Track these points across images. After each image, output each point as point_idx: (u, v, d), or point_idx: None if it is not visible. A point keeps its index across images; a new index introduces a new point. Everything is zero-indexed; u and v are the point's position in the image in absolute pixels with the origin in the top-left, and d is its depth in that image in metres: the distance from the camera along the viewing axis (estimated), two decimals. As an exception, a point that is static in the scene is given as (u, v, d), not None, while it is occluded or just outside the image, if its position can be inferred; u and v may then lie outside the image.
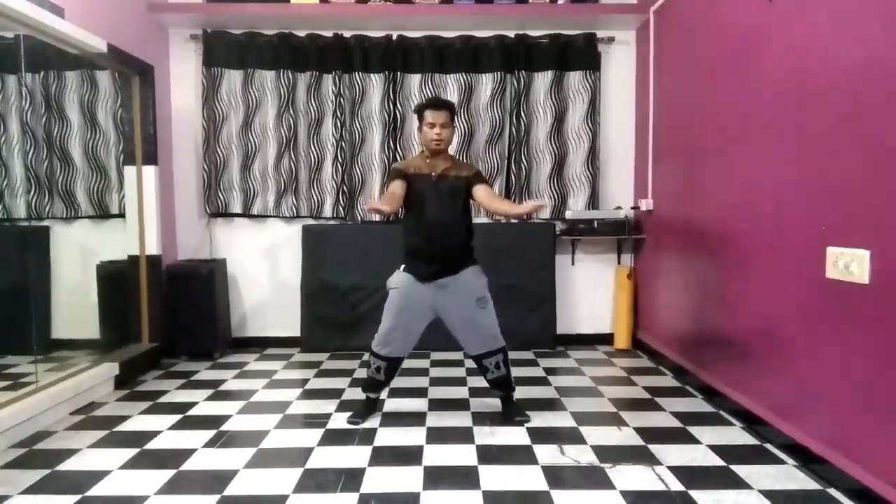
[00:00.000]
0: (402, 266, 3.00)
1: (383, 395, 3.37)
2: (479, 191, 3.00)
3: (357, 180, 4.65)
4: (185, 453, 2.69)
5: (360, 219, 4.68)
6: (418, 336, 3.04)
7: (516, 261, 4.49)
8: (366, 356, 4.31)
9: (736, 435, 2.86)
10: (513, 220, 4.58)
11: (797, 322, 2.57)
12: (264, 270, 4.75)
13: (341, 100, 4.56)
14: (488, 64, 4.59)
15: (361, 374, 3.93)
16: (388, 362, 3.02)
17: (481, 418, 3.09)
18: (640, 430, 2.92)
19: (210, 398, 3.49)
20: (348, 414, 3.12)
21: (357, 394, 3.47)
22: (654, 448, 2.70)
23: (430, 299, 2.95)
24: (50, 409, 3.05)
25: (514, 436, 2.86)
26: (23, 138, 3.57)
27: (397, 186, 2.93)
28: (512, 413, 3.08)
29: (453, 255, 2.96)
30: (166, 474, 2.47)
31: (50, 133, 3.82)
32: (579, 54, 4.58)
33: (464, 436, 2.87)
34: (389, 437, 2.86)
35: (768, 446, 2.71)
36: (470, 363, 4.12)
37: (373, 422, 3.06)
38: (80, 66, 3.82)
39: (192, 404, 3.37)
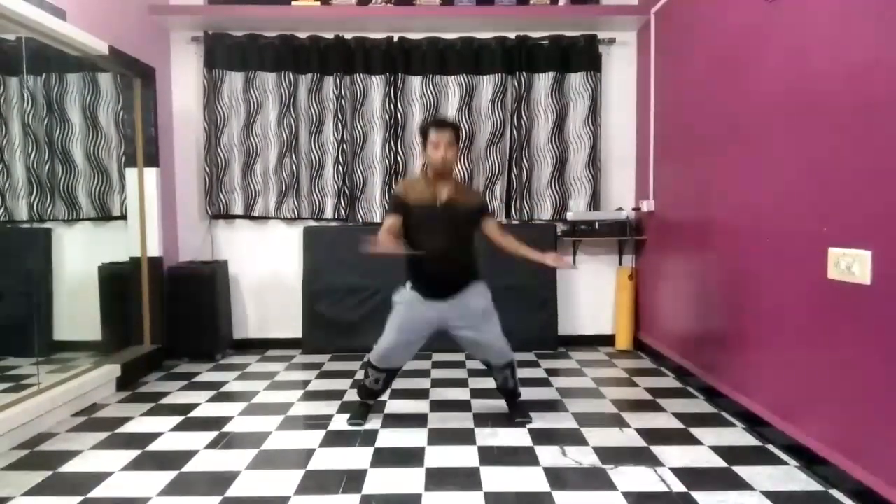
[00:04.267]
0: (408, 284, 2.99)
1: (385, 396, 3.37)
2: (490, 227, 3.01)
3: (358, 182, 4.66)
4: (187, 455, 2.69)
5: (361, 220, 4.68)
6: (418, 348, 3.04)
7: (517, 262, 4.44)
8: (367, 357, 4.33)
9: (738, 436, 2.86)
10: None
11: (799, 323, 2.57)
12: (266, 272, 4.75)
13: (342, 101, 4.57)
14: (489, 65, 4.59)
15: (362, 375, 3.93)
16: (388, 373, 3.04)
17: (483, 419, 3.09)
18: (642, 431, 2.92)
19: (212, 400, 3.49)
20: (349, 415, 3.12)
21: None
22: (656, 449, 2.70)
23: (435, 315, 2.93)
24: (52, 410, 3.05)
25: (515, 437, 2.86)
26: (24, 140, 3.58)
27: (394, 223, 2.88)
28: (515, 414, 3.09)
29: (458, 281, 2.95)
30: (168, 476, 2.47)
31: (52, 135, 3.82)
32: (580, 56, 4.58)
33: (465, 437, 2.87)
34: (391, 438, 2.86)
35: (770, 447, 2.71)
36: (471, 364, 4.13)
37: (374, 423, 3.06)
38: (81, 69, 3.83)
39: (193, 406, 3.37)
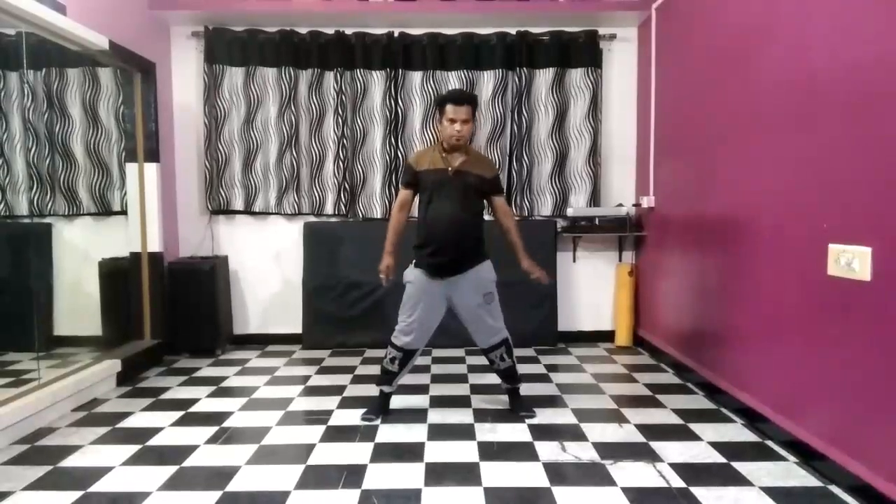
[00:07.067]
0: (413, 261, 3.01)
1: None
2: (499, 203, 3.08)
3: (358, 177, 4.65)
4: (187, 450, 2.69)
5: (361, 216, 4.68)
6: (434, 327, 3.05)
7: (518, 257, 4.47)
8: (367, 353, 4.35)
9: (737, 432, 2.87)
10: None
11: (798, 319, 2.57)
12: (266, 267, 4.75)
13: (343, 97, 4.56)
14: (490, 61, 4.58)
15: (363, 370, 3.95)
16: (405, 353, 3.03)
17: (482, 415, 3.10)
18: (641, 427, 2.92)
19: (212, 395, 3.50)
20: (349, 410, 3.13)
21: (358, 390, 3.49)
22: (655, 445, 2.70)
23: (443, 292, 2.98)
24: (52, 405, 3.06)
25: (515, 432, 2.87)
26: (25, 135, 3.58)
27: (406, 198, 3.03)
28: (517, 408, 3.11)
29: (464, 251, 2.96)
30: (168, 470, 2.48)
31: (52, 130, 3.82)
32: (581, 51, 4.57)
33: (465, 432, 2.87)
34: (391, 433, 2.87)
35: (769, 443, 2.71)
36: (471, 360, 4.14)
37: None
38: (81, 63, 3.82)
39: (193, 401, 3.38)
